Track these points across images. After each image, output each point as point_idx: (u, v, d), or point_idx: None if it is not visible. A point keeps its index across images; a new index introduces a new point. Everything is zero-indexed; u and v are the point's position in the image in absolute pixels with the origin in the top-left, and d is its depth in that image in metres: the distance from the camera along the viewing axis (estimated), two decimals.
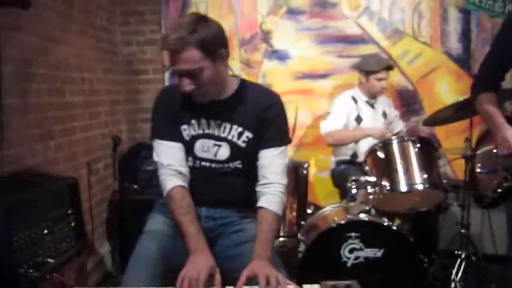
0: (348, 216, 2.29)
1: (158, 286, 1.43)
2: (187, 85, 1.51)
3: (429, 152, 2.35)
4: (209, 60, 1.48)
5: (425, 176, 2.25)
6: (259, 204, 1.60)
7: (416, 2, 3.48)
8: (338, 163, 3.07)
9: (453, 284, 2.44)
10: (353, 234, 2.21)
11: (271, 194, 1.61)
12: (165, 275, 1.51)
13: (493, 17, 3.45)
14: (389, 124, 3.14)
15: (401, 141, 2.35)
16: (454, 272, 2.47)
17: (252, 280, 1.38)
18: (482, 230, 3.04)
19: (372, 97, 3.05)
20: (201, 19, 1.50)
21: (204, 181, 1.65)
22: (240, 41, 3.57)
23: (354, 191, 2.35)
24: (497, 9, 3.45)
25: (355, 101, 3.02)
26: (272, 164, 1.64)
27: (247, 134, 1.63)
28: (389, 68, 2.99)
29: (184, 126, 1.64)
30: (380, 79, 2.94)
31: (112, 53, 3.49)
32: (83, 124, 2.93)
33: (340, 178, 2.94)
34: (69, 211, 1.95)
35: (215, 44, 1.49)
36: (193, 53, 1.45)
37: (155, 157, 1.67)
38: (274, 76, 3.54)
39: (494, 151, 1.87)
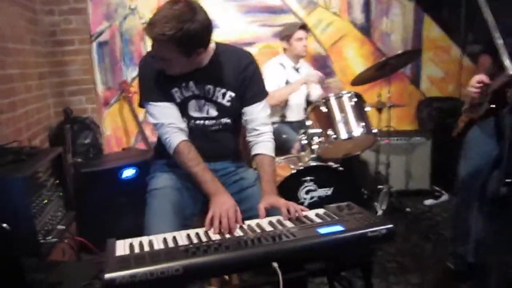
0: (301, 164, 2.66)
1: None
2: (160, 65, 1.68)
3: (360, 105, 2.80)
4: (184, 55, 1.62)
5: (361, 124, 2.71)
6: (257, 151, 1.85)
7: None
8: None
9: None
10: (308, 178, 2.59)
11: (265, 142, 1.87)
12: (181, 225, 1.68)
13: None
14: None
15: (339, 97, 2.76)
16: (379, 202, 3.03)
17: (270, 211, 1.64)
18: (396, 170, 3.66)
19: (297, 61, 3.40)
20: (190, 15, 1.55)
21: (201, 138, 1.83)
22: None
23: (304, 142, 2.71)
24: None
25: (283, 67, 3.34)
26: (259, 117, 1.87)
27: (230, 94, 1.82)
28: (303, 27, 3.28)
29: (175, 89, 1.77)
30: (299, 39, 3.24)
31: (35, 23, 3.32)
32: (22, 98, 2.82)
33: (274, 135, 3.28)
34: (57, 181, 1.98)
35: (193, 44, 1.61)
36: (169, 49, 1.57)
37: (153, 120, 1.79)
38: None
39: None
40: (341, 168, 2.64)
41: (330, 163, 2.67)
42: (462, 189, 2.33)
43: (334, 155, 2.86)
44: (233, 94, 1.82)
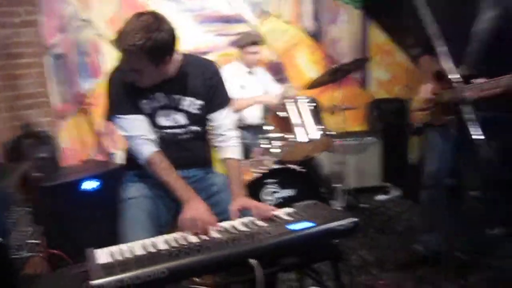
0: (264, 167, 2.77)
1: None
2: (130, 77, 1.74)
3: (317, 108, 2.95)
4: (153, 64, 1.69)
5: (319, 127, 2.86)
6: (226, 156, 1.95)
7: None
8: None
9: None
10: (271, 180, 2.71)
11: (232, 146, 1.97)
12: (156, 233, 1.74)
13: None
14: (267, 89, 3.65)
15: (297, 102, 2.90)
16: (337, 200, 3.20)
17: (242, 212, 1.73)
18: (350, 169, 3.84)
19: (251, 68, 3.51)
20: (156, 25, 1.63)
21: (171, 146, 1.88)
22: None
23: (266, 146, 2.83)
24: None
25: (238, 71, 3.42)
26: (225, 123, 1.98)
27: (198, 102, 1.91)
28: (255, 43, 3.38)
29: (144, 101, 1.83)
30: (252, 53, 3.36)
31: None
32: None
33: None
34: (24, 196, 1.98)
35: (162, 52, 1.69)
36: (139, 59, 1.65)
37: (123, 132, 1.83)
38: None
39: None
40: (302, 170, 2.77)
41: (292, 166, 2.80)
42: (428, 186, 2.53)
43: (294, 157, 2.99)
44: (201, 102, 1.91)
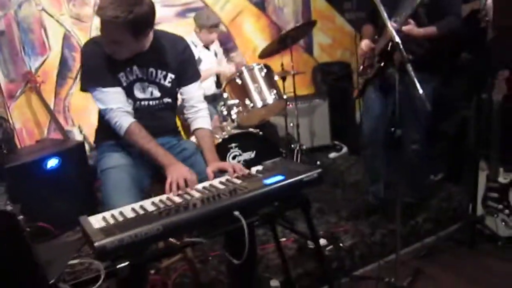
0: (225, 133, 2.91)
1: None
2: (110, 48, 1.80)
3: (270, 75, 3.11)
4: (133, 38, 1.77)
5: (273, 92, 3.03)
6: (197, 126, 2.07)
7: None
8: None
9: None
10: (233, 144, 2.86)
11: (203, 117, 2.10)
12: (140, 197, 1.85)
13: None
14: (220, 60, 3.77)
15: (251, 69, 3.04)
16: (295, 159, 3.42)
17: (217, 174, 1.88)
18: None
19: (206, 44, 3.60)
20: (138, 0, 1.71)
21: (146, 117, 1.97)
22: None
23: (225, 113, 2.96)
24: None
25: (195, 45, 3.50)
26: (196, 95, 2.10)
27: (170, 75, 2.01)
28: (215, 25, 3.49)
29: (121, 74, 1.91)
30: (211, 33, 3.49)
31: None
32: None
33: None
34: None
35: (143, 26, 1.77)
36: (121, 31, 1.72)
37: (101, 105, 1.90)
38: None
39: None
40: (260, 133, 2.94)
41: (250, 129, 2.96)
42: (368, 142, 2.78)
43: (251, 122, 3.16)
44: (173, 76, 2.01)
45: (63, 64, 3.65)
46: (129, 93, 1.94)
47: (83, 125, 3.76)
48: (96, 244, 1.33)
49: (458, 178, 3.27)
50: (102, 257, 1.34)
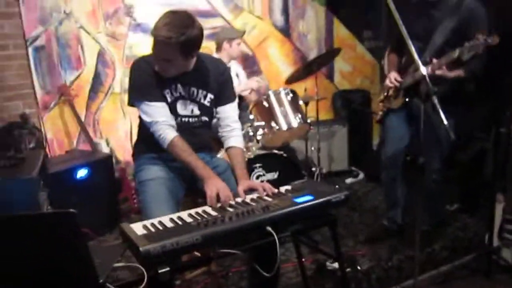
0: (250, 153, 3.02)
1: None
2: (160, 66, 1.95)
3: (295, 99, 3.24)
4: (183, 57, 1.92)
5: (298, 116, 3.15)
6: (230, 144, 2.18)
7: None
8: None
9: None
10: (257, 165, 2.97)
11: (236, 136, 2.21)
12: (176, 208, 1.97)
13: None
14: (240, 83, 3.90)
15: (278, 94, 3.17)
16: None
17: (248, 193, 1.98)
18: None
19: (229, 61, 3.74)
20: (190, 22, 1.87)
21: (185, 132, 2.09)
22: (104, 15, 3.77)
23: (251, 134, 3.08)
24: None
25: None
26: (232, 115, 2.22)
27: (210, 96, 2.14)
28: (243, 34, 3.69)
29: (167, 90, 2.05)
30: (239, 44, 3.63)
31: None
32: None
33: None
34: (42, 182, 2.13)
35: (192, 47, 1.92)
36: (173, 51, 1.86)
37: (146, 118, 2.02)
38: (139, 47, 3.88)
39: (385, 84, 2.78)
40: (284, 155, 3.05)
41: (275, 151, 3.07)
42: (387, 167, 2.86)
43: (274, 143, 3.27)
44: (212, 96, 2.14)
45: (96, 79, 3.81)
46: (172, 109, 2.07)
47: (110, 138, 3.90)
48: (141, 249, 1.44)
49: (473, 209, 3.33)
50: (146, 261, 1.44)
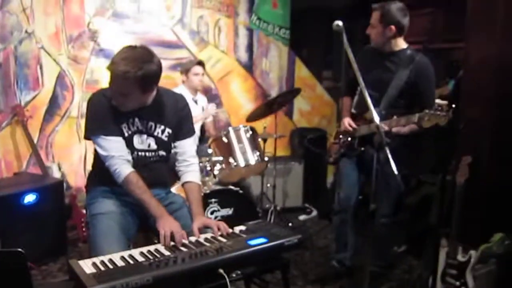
0: (206, 188, 3.03)
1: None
2: (117, 100, 1.96)
3: (254, 136, 3.29)
4: (140, 91, 1.93)
5: (256, 153, 3.20)
6: (187, 179, 2.18)
7: (217, 18, 4.39)
8: None
9: None
10: (213, 200, 2.97)
11: (193, 171, 2.22)
12: (126, 244, 1.95)
13: (267, 36, 4.69)
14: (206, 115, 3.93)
15: (237, 130, 3.22)
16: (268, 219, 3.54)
17: (202, 230, 1.98)
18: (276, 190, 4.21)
19: (195, 93, 3.78)
20: (149, 57, 1.89)
21: (141, 167, 2.09)
22: (68, 38, 3.72)
23: (208, 168, 3.09)
24: (269, 30, 4.70)
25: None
26: (190, 150, 2.24)
27: (168, 130, 2.15)
28: (199, 63, 3.71)
29: (124, 124, 2.05)
30: (196, 74, 3.66)
31: None
32: None
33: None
34: None
35: (150, 83, 1.94)
36: (130, 85, 1.88)
37: (103, 152, 2.00)
38: (101, 73, 3.85)
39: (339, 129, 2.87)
40: (240, 191, 3.07)
41: (231, 187, 3.09)
42: (339, 211, 2.93)
43: (230, 179, 3.29)
44: (170, 131, 2.15)
45: (53, 101, 3.72)
46: (129, 143, 2.06)
47: (63, 162, 3.79)
48: None
49: (419, 251, 3.45)
50: None
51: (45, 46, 3.65)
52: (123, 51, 1.89)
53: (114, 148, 2.00)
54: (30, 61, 3.61)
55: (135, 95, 1.93)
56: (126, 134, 2.05)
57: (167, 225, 1.86)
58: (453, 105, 2.26)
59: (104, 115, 2.01)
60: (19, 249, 1.15)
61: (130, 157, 2.05)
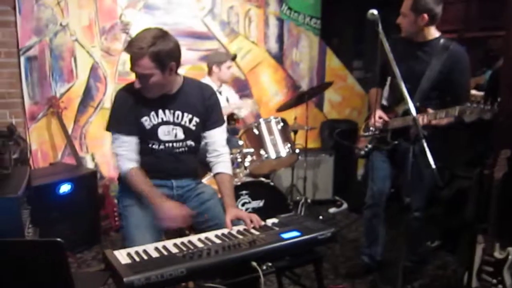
0: (237, 179, 3.02)
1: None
2: (137, 84, 1.96)
3: (285, 128, 3.26)
4: (159, 69, 1.91)
5: (287, 145, 3.17)
6: (218, 170, 2.18)
7: (247, 9, 4.36)
8: None
9: None
10: (244, 192, 2.97)
11: (224, 162, 2.21)
12: (159, 235, 1.98)
13: (298, 26, 4.63)
14: (235, 106, 3.91)
15: (268, 122, 3.19)
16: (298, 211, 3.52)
17: (234, 221, 1.97)
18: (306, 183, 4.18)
19: (220, 85, 3.77)
20: (162, 35, 1.91)
21: (169, 158, 2.11)
22: (100, 30, 3.77)
23: (239, 160, 3.08)
24: (300, 20, 4.64)
25: None
26: (220, 139, 2.22)
27: (196, 119, 2.14)
28: (234, 58, 3.73)
29: (145, 118, 2.05)
30: (229, 67, 3.66)
31: None
32: None
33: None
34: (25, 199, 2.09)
35: (167, 58, 1.91)
36: (147, 62, 1.87)
37: (113, 146, 2.07)
38: None
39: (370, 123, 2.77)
40: (271, 183, 3.06)
41: (262, 179, 3.08)
42: (371, 205, 2.88)
43: (261, 171, 3.28)
44: (198, 120, 2.14)
45: (87, 93, 3.79)
46: (153, 135, 2.07)
47: (96, 153, 3.86)
48: (125, 279, 1.42)
49: (453, 247, 3.37)
50: None
51: (79, 39, 3.71)
52: (138, 33, 1.92)
53: (121, 147, 2.04)
54: (65, 54, 3.67)
55: (156, 77, 1.90)
56: (147, 127, 2.05)
57: (167, 210, 1.88)
58: (499, 99, 2.15)
59: (122, 112, 2.05)
60: (59, 239, 1.16)
61: (136, 156, 2.06)
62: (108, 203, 3.64)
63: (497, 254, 2.71)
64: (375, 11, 2.06)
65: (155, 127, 2.07)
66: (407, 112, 2.35)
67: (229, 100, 3.87)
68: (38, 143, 3.65)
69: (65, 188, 3.11)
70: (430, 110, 2.43)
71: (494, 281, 2.68)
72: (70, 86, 3.73)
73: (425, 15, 2.46)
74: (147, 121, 2.05)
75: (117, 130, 2.05)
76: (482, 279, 2.72)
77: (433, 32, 2.56)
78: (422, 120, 2.33)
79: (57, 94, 3.67)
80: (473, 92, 3.56)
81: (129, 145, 2.04)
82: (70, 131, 3.71)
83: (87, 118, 3.83)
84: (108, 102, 3.86)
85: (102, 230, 3.51)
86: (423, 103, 2.54)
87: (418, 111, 2.44)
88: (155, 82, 1.93)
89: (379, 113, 2.73)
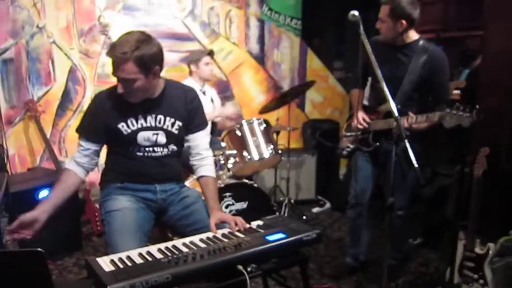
0: (220, 181, 3.01)
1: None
2: (120, 88, 1.92)
3: (268, 129, 3.26)
4: (143, 74, 1.87)
5: (270, 146, 3.16)
6: (202, 173, 2.16)
7: (228, 10, 4.34)
8: None
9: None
10: (227, 193, 2.95)
11: (208, 165, 2.19)
12: (143, 240, 1.93)
13: (279, 27, 4.63)
14: (215, 108, 3.89)
15: (251, 123, 3.18)
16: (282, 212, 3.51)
17: (219, 225, 1.96)
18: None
19: (203, 84, 3.73)
20: (145, 39, 1.87)
21: (153, 163, 2.08)
22: (79, 32, 3.71)
23: (222, 162, 3.07)
24: (281, 21, 4.64)
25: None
26: (203, 143, 2.21)
27: (178, 123, 2.11)
28: (210, 53, 3.64)
29: (121, 124, 2.01)
30: (207, 63, 3.59)
31: None
32: None
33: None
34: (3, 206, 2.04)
35: (151, 62, 1.88)
36: (131, 67, 1.83)
37: (77, 149, 2.09)
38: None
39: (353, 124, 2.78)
40: (255, 185, 3.05)
41: (245, 180, 3.07)
42: (354, 204, 2.89)
43: (244, 172, 3.27)
44: (180, 123, 2.11)
45: (65, 96, 3.72)
46: (133, 141, 2.03)
47: None
48: (109, 287, 1.39)
49: (435, 244, 3.41)
50: None
51: (56, 41, 3.64)
52: (120, 37, 1.87)
53: (80, 151, 2.06)
54: (42, 56, 3.60)
55: (140, 81, 1.87)
56: (125, 133, 2.01)
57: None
58: (477, 106, 2.18)
59: (89, 117, 2.05)
60: (39, 249, 1.13)
61: (87, 164, 2.07)
62: (89, 208, 3.58)
63: (478, 250, 2.76)
64: (356, 13, 2.06)
65: (133, 133, 2.02)
66: (389, 113, 2.37)
67: (213, 101, 3.84)
68: (15, 148, 3.56)
69: (44, 193, 3.03)
70: (411, 114, 2.45)
71: (476, 276, 2.73)
72: (48, 89, 3.66)
73: (403, 21, 2.46)
74: (124, 127, 2.01)
75: (80, 133, 2.07)
76: (464, 275, 2.77)
77: (412, 35, 2.58)
78: (403, 123, 2.36)
79: (35, 98, 3.59)
80: (455, 92, 3.62)
81: (87, 152, 2.05)
82: (48, 135, 3.63)
83: (66, 121, 3.76)
84: (87, 105, 3.79)
85: (83, 235, 3.45)
86: (405, 104, 2.57)
87: (400, 114, 2.46)
88: (139, 87, 1.90)
89: (361, 114, 2.74)
